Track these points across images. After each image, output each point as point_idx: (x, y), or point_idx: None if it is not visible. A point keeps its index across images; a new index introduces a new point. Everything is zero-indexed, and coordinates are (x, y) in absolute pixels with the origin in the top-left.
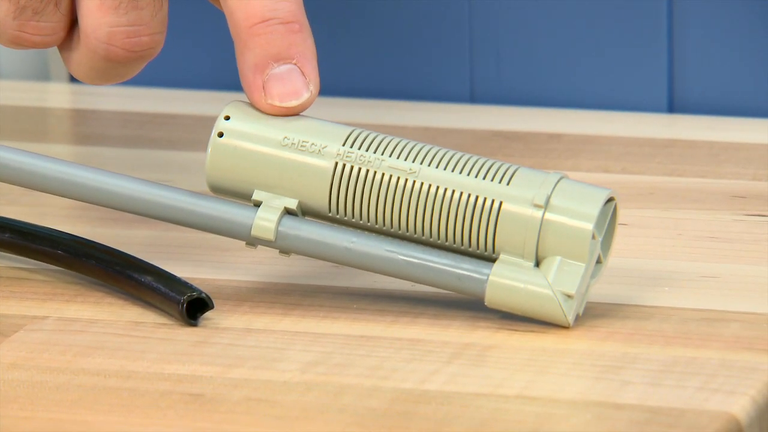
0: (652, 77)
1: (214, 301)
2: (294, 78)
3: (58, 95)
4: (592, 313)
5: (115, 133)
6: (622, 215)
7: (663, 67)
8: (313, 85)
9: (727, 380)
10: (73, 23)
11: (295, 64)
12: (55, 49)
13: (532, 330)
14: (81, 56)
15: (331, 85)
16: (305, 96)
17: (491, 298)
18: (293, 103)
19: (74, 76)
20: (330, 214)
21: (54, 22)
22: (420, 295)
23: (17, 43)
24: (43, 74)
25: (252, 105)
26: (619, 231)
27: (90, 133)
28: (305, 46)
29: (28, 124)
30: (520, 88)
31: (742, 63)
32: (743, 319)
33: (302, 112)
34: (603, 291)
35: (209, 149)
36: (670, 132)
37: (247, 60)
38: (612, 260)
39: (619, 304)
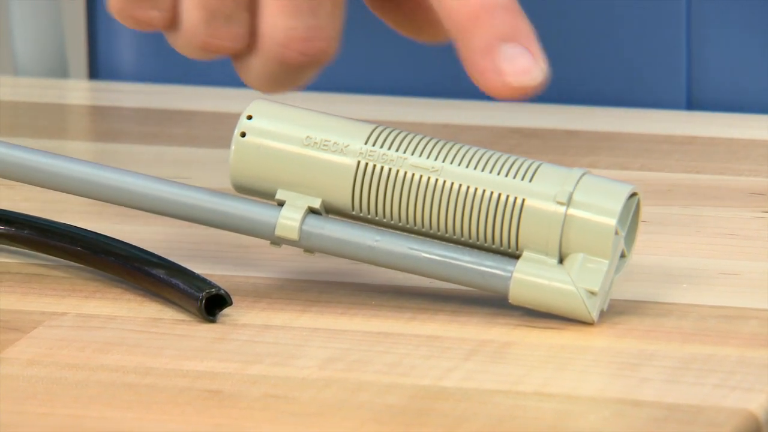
0: (671, 74)
1: (233, 298)
2: (525, 57)
3: (76, 92)
4: (610, 310)
5: (134, 129)
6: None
7: (681, 64)
8: (543, 65)
9: (745, 377)
10: (253, 30)
11: (522, 44)
12: (73, 45)
13: (550, 327)
14: (256, 60)
15: (351, 83)
16: (538, 74)
17: (515, 295)
18: (529, 81)
19: (247, 83)
20: (353, 213)
21: (245, 27)
22: (438, 291)
23: (206, 49)
24: (61, 71)
25: (487, 91)
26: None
27: (109, 130)
28: (526, 26)
29: (47, 121)
30: None
31: (760, 60)
32: (762, 316)
33: (537, 91)
34: (621, 288)
35: (232, 148)
36: (688, 129)
37: (474, 45)
38: (630, 257)
39: (637, 300)
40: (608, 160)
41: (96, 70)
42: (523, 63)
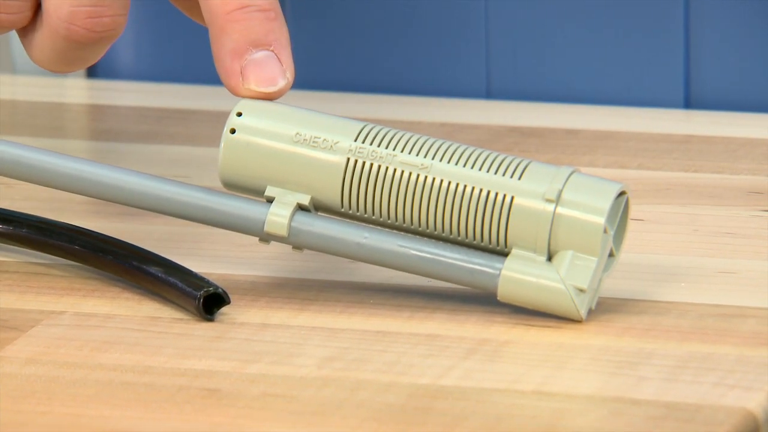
0: (669, 73)
1: (231, 297)
2: (272, 64)
3: (75, 90)
4: (608, 309)
5: (133, 128)
6: (639, 211)
7: (679, 63)
8: (290, 73)
9: (743, 376)
10: (37, 5)
11: (273, 51)
12: None
13: (549, 325)
14: (43, 37)
15: (349, 81)
16: (282, 83)
17: (503, 292)
18: (271, 89)
19: (35, 62)
20: (342, 210)
21: (21, 0)
22: (436, 290)
23: None
24: None
25: (230, 91)
26: (635, 227)
27: (107, 129)
28: (281, 33)
29: (45, 120)
30: (537, 84)
31: (758, 59)
32: (760, 314)
33: (278, 98)
34: (619, 286)
35: (222, 145)
36: (686, 128)
37: (224, 45)
38: (629, 256)
39: (635, 299)
40: (606, 158)
41: (94, 69)
42: (268, 71)
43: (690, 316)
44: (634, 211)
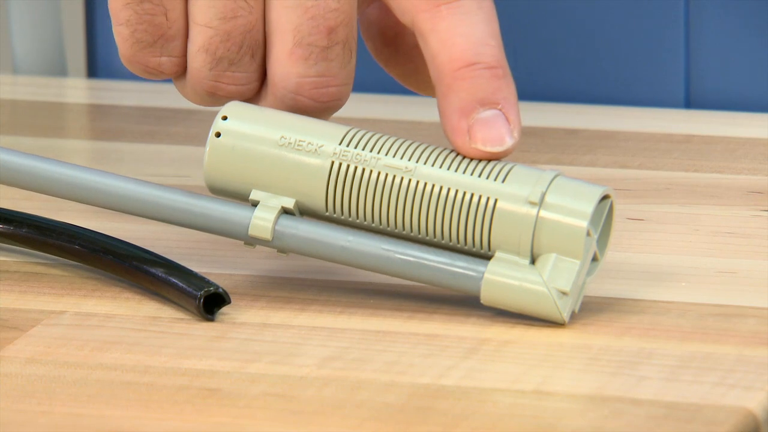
0: (669, 73)
1: (231, 296)
2: (499, 124)
3: (75, 90)
4: (608, 309)
5: (133, 128)
6: (639, 211)
7: (680, 63)
8: (517, 132)
9: (744, 375)
10: (263, 76)
11: (500, 109)
12: (72, 44)
13: (549, 325)
14: (267, 105)
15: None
16: (509, 143)
17: (486, 295)
18: (498, 149)
19: None
20: (327, 214)
21: (249, 72)
22: (437, 290)
23: (213, 93)
24: (60, 69)
25: (457, 149)
26: (635, 227)
27: (108, 128)
28: (509, 91)
29: (46, 120)
30: (537, 84)
31: (759, 58)
32: (761, 314)
33: (504, 157)
34: (619, 286)
35: (207, 149)
36: (687, 128)
37: (452, 103)
38: (628, 255)
39: (635, 299)
40: (607, 158)
41: (94, 69)
42: (495, 130)
43: (690, 315)
44: (634, 211)
